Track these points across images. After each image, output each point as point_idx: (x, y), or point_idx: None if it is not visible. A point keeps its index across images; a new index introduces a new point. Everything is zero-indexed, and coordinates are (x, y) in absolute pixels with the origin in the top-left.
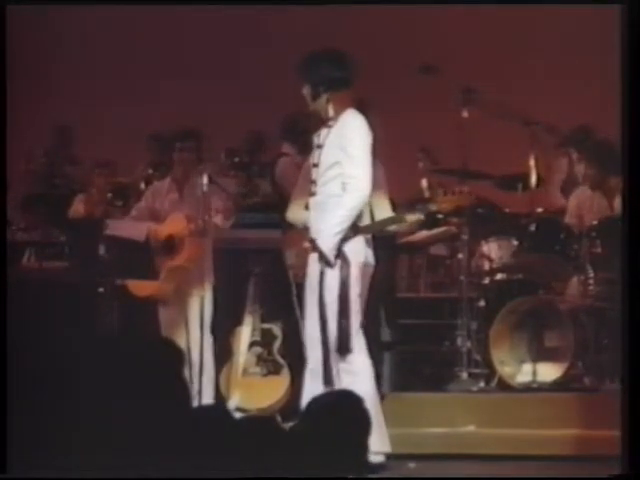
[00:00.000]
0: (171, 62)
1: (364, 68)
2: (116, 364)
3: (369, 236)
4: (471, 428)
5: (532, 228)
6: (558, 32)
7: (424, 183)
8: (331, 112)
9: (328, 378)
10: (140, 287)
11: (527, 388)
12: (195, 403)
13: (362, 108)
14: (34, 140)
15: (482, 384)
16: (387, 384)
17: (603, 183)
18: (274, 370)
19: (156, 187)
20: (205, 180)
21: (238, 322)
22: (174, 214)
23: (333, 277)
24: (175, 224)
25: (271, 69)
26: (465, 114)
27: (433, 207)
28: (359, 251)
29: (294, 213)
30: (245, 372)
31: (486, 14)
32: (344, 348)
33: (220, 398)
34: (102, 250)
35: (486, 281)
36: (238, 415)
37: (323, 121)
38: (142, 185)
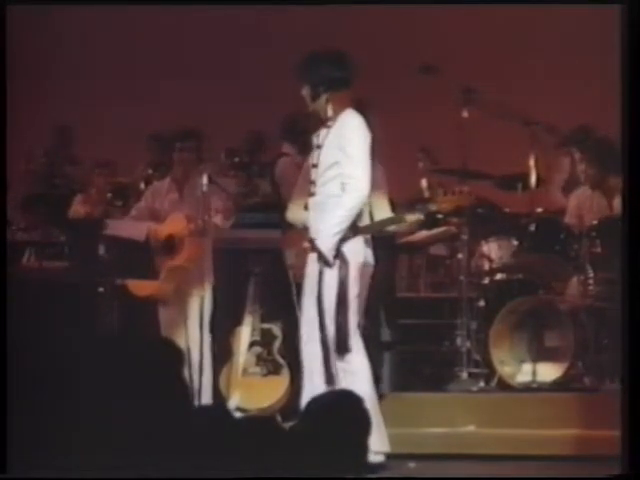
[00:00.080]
0: (171, 62)
1: (364, 68)
2: (116, 364)
3: (369, 236)
4: (471, 428)
5: (532, 228)
6: (558, 32)
7: (424, 183)
8: (330, 112)
9: (330, 377)
10: (140, 287)
11: (527, 388)
12: (195, 403)
13: (361, 108)
14: (34, 140)
15: (482, 384)
16: (387, 384)
17: (603, 183)
18: (274, 370)
19: (156, 187)
20: (205, 180)
21: (238, 322)
22: (174, 214)
23: (332, 277)
24: (175, 224)
25: (271, 69)
26: (465, 114)
27: (433, 207)
28: (358, 251)
29: (294, 213)
30: (245, 372)
31: (486, 14)
32: (342, 348)
33: (220, 398)
34: (102, 250)
35: (486, 281)
36: (238, 415)
37: (322, 121)
38: (142, 185)
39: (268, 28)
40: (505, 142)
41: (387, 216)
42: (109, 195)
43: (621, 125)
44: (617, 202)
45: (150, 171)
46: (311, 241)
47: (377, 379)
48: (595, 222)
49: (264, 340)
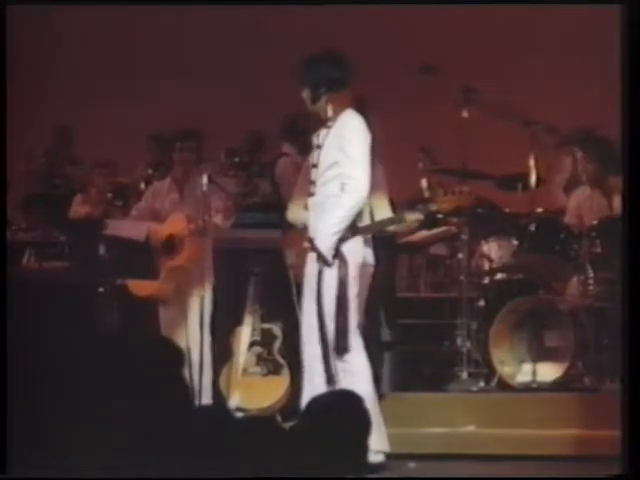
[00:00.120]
0: (171, 62)
1: (364, 68)
2: (116, 364)
3: (369, 236)
4: (471, 428)
5: (532, 228)
6: (558, 32)
7: (424, 183)
8: (330, 113)
9: (330, 378)
10: (140, 287)
11: (527, 388)
12: (195, 403)
13: (361, 108)
14: (34, 140)
15: (482, 384)
16: (387, 384)
17: (603, 182)
18: (274, 370)
19: (156, 187)
20: (205, 180)
21: (238, 322)
22: (174, 214)
23: (331, 277)
24: (175, 224)
25: (271, 69)
26: (465, 114)
27: (433, 207)
28: (357, 251)
29: (294, 213)
30: (245, 372)
31: (486, 14)
32: (342, 347)
33: (220, 398)
34: (102, 250)
35: (486, 281)
36: (238, 415)
37: (322, 121)
38: (142, 185)
39: (268, 28)
40: (505, 142)
41: (387, 216)
42: (109, 195)
43: (621, 125)
44: (617, 202)
45: (150, 171)
46: (310, 241)
47: (377, 379)
48: (595, 222)
49: (264, 340)
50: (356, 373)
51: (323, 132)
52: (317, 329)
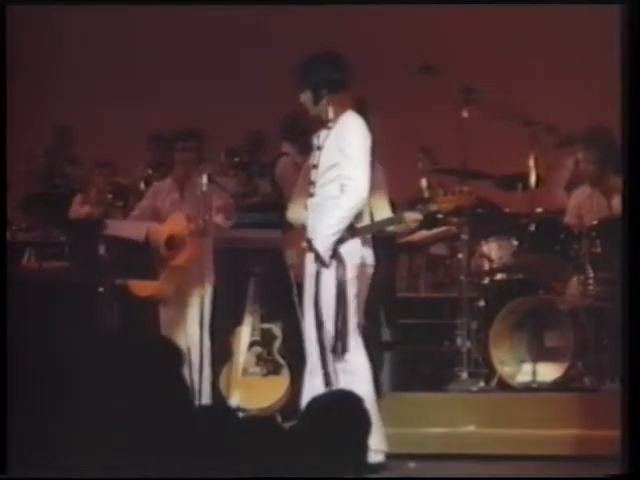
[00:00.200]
0: (171, 62)
1: (364, 68)
2: (116, 364)
3: (369, 236)
4: (471, 428)
5: (532, 228)
6: (558, 32)
7: (424, 183)
8: (331, 114)
9: (327, 379)
10: (140, 287)
11: (527, 388)
12: (195, 403)
13: (362, 109)
14: (34, 140)
15: (482, 384)
16: (387, 384)
17: (604, 182)
18: (274, 370)
19: (157, 187)
20: (205, 180)
21: (238, 322)
22: (175, 214)
23: (329, 277)
24: (176, 224)
25: (271, 69)
26: (465, 114)
27: (433, 207)
28: (355, 252)
29: (294, 213)
30: (245, 372)
31: (486, 14)
32: (340, 348)
33: (220, 398)
34: (102, 250)
35: (486, 281)
36: (238, 415)
37: (323, 122)
38: (142, 185)
39: (268, 28)
40: (505, 142)
41: (387, 216)
42: (109, 196)
43: (621, 125)
44: (617, 202)
45: (150, 171)
46: (308, 241)
47: (377, 379)
48: (595, 222)
49: (264, 340)
50: (356, 373)
51: (323, 133)
52: (315, 330)
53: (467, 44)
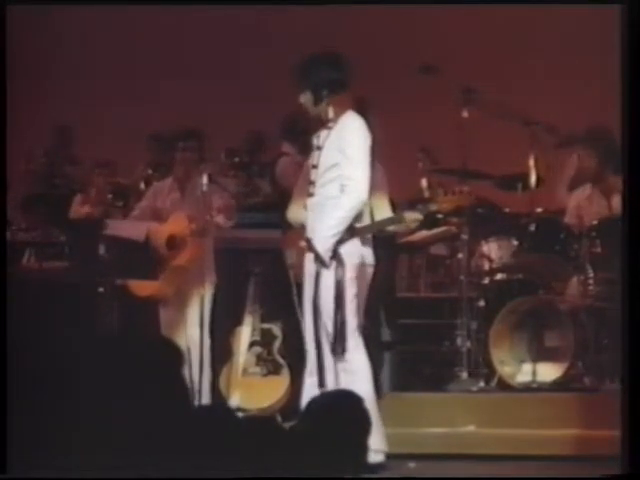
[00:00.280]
0: (171, 62)
1: (364, 68)
2: (116, 364)
3: (369, 236)
4: (471, 428)
5: (532, 228)
6: (558, 32)
7: (424, 183)
8: (331, 114)
9: (322, 380)
10: (140, 287)
11: (527, 388)
12: (195, 403)
13: (362, 109)
14: (34, 140)
15: (482, 384)
16: (387, 384)
17: (604, 181)
18: (274, 370)
19: (158, 187)
20: (205, 180)
21: (238, 322)
22: (176, 214)
23: (329, 278)
24: (177, 224)
25: (271, 69)
26: (465, 114)
27: (433, 207)
28: (354, 253)
29: (294, 213)
30: (245, 372)
31: (486, 14)
32: (339, 348)
33: (220, 398)
34: (102, 250)
35: (486, 281)
36: (238, 415)
37: (323, 122)
38: (142, 185)
39: (268, 28)
40: (505, 142)
41: (387, 216)
42: (109, 196)
43: (621, 125)
44: (617, 202)
45: (150, 171)
46: (308, 241)
47: (377, 379)
48: (595, 222)
49: (264, 340)
50: (356, 372)
51: (324, 133)
52: (313, 330)
53: (467, 44)
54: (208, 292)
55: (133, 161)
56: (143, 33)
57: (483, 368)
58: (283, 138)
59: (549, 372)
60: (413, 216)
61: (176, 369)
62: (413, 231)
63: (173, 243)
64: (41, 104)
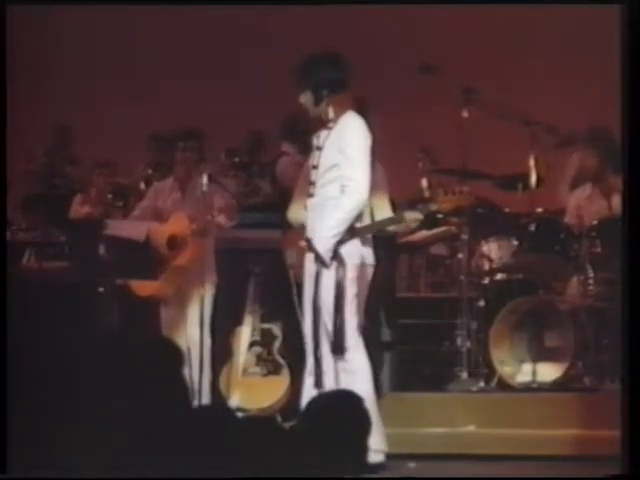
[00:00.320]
0: (171, 62)
1: (364, 68)
2: (116, 364)
3: (369, 236)
4: (471, 428)
5: (532, 228)
6: (558, 32)
7: (424, 183)
8: (331, 114)
9: (318, 380)
10: (141, 287)
11: (527, 388)
12: (195, 403)
13: (362, 109)
14: (34, 140)
15: (482, 384)
16: (387, 384)
17: (604, 181)
18: (274, 370)
19: (158, 186)
20: (205, 180)
21: (238, 322)
22: (177, 214)
23: (329, 278)
24: (178, 224)
25: (271, 69)
26: (465, 114)
27: (433, 207)
28: (355, 253)
29: (294, 213)
30: (245, 372)
31: (486, 14)
32: (338, 348)
33: (220, 398)
34: (102, 250)
35: (486, 281)
36: (238, 415)
37: (323, 123)
38: (142, 185)
39: (268, 28)
40: (505, 142)
41: (387, 216)
42: (109, 196)
43: (621, 125)
44: (617, 202)
45: (150, 171)
46: (308, 241)
47: (377, 379)
48: (595, 222)
49: (264, 340)
50: (356, 372)
51: (324, 133)
52: (311, 330)
53: (467, 44)
54: (208, 292)
55: (133, 161)
56: (143, 33)
57: (483, 368)
58: (283, 138)
59: (549, 372)
60: (413, 216)
61: (176, 369)
62: (413, 231)
63: (174, 243)
64: (41, 104)
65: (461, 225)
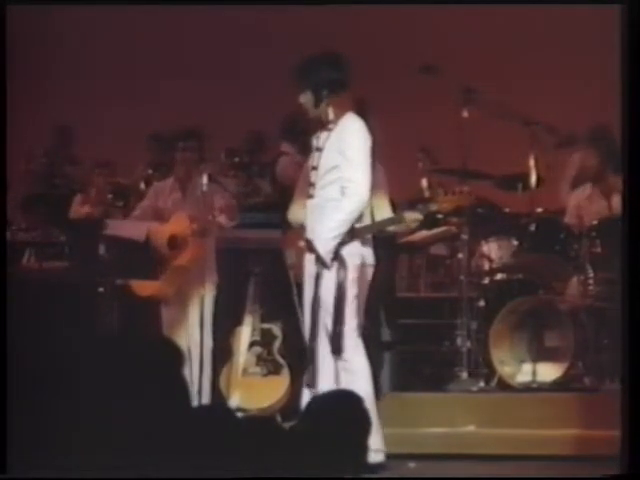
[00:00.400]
0: (171, 62)
1: (364, 68)
2: (116, 364)
3: (369, 236)
4: (471, 428)
5: (532, 228)
6: (558, 32)
7: (424, 183)
8: (331, 115)
9: (313, 380)
10: (141, 287)
11: (527, 388)
12: (195, 403)
13: (362, 110)
14: (34, 140)
15: (482, 384)
16: (387, 384)
17: (604, 181)
18: (274, 370)
19: (159, 186)
20: (205, 180)
21: (238, 322)
22: (177, 214)
23: (329, 279)
24: (178, 224)
25: (271, 69)
26: (465, 114)
27: (433, 207)
28: (355, 253)
29: (295, 213)
30: (245, 372)
31: (486, 14)
32: (337, 348)
33: (220, 398)
34: (102, 250)
35: (486, 281)
36: (238, 415)
37: (323, 124)
38: (142, 185)
39: (268, 28)
40: (505, 142)
41: (387, 216)
42: (109, 196)
43: (621, 125)
44: (617, 202)
45: (150, 171)
46: (308, 242)
47: (377, 379)
48: (595, 222)
49: (264, 340)
50: (355, 372)
51: (324, 135)
52: (310, 330)
53: (467, 44)
54: (209, 292)
55: (133, 161)
56: (143, 33)
57: (483, 368)
58: (283, 138)
59: (549, 372)
60: (413, 216)
61: (176, 369)
62: (413, 231)
63: (174, 243)
64: (41, 104)
65: (461, 225)
